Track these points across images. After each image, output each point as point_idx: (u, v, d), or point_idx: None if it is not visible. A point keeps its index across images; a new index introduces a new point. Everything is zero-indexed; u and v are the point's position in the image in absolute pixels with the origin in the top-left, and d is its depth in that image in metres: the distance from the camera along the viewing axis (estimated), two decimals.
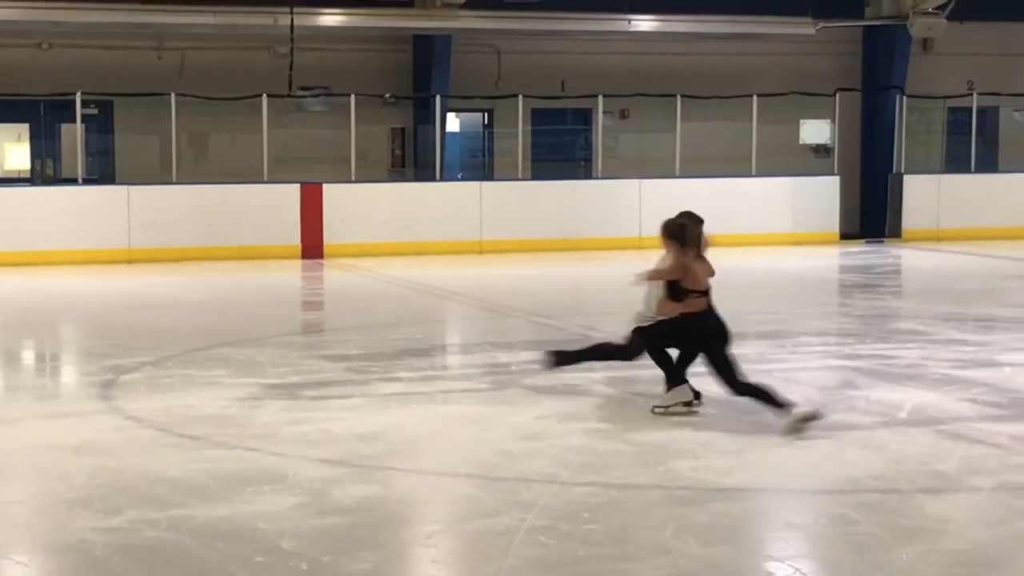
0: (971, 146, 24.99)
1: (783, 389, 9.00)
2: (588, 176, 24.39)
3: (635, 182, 22.68)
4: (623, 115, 25.59)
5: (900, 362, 11.28)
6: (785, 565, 6.11)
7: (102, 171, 23.41)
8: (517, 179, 23.15)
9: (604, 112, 23.86)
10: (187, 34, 23.11)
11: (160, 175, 22.43)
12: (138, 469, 7.77)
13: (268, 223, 21.26)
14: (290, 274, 19.50)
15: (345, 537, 6.45)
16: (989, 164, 26.20)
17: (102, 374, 10.91)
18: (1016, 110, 26.90)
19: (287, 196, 21.41)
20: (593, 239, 22.05)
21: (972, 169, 25.06)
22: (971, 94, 25.32)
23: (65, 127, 22.91)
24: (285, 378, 10.67)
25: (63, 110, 22.06)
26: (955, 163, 25.80)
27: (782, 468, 8.04)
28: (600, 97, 23.56)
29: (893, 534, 6.46)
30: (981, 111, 25.33)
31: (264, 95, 21.80)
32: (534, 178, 23.64)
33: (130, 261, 20.47)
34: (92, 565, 6.08)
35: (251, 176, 21.87)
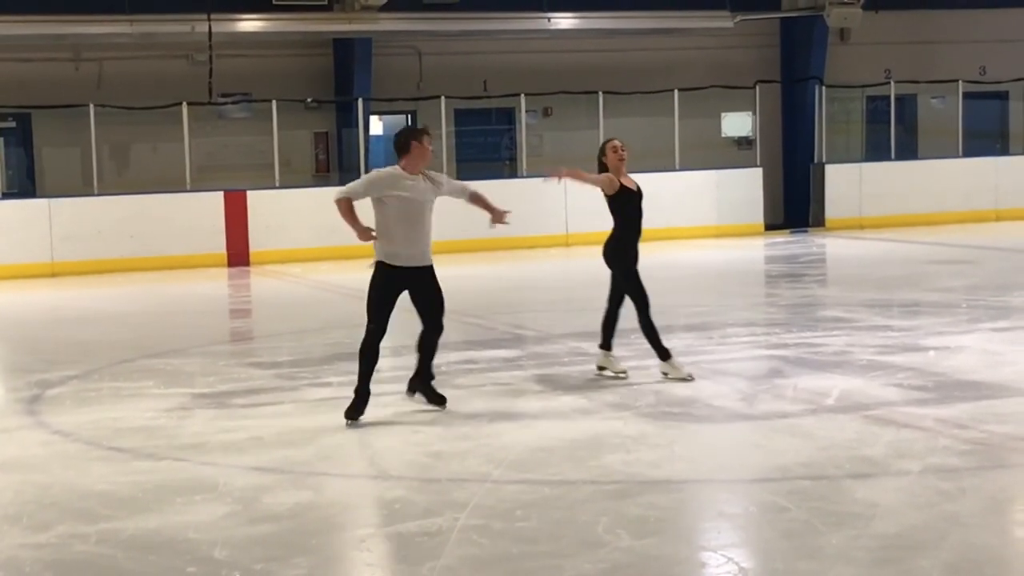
0: (891, 134, 25.27)
1: (712, 380, 9.08)
2: (514, 175, 24.41)
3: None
4: (546, 113, 25.63)
5: (826, 350, 11.39)
6: (717, 555, 6.15)
7: (22, 185, 23.13)
8: None
9: (527, 111, 23.90)
10: (104, 44, 22.87)
11: (81, 187, 22.18)
12: (66, 484, 7.69)
13: (192, 232, 21.09)
14: (216, 283, 19.36)
15: (278, 544, 6.42)
16: (909, 151, 26.51)
17: (28, 389, 10.79)
18: (934, 97, 27.24)
19: (211, 204, 21.25)
20: (520, 238, 22.04)
21: (892, 157, 25.34)
22: (889, 83, 25.61)
23: None
24: (214, 387, 10.60)
25: None
26: (875, 151, 26.07)
27: (712, 459, 8.10)
28: (523, 96, 23.59)
29: (823, 520, 6.52)
30: (899, 99, 25.62)
31: (184, 103, 21.63)
32: (460, 178, 23.57)
33: (53, 275, 20.24)
34: None
35: (174, 185, 21.69)
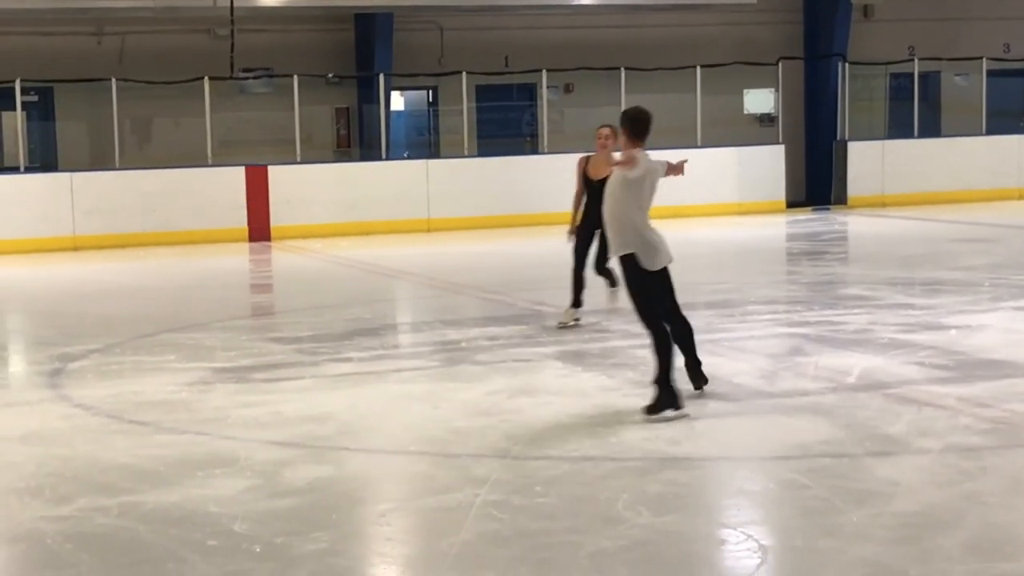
0: (914, 111, 25.15)
1: (732, 358, 9.05)
2: (534, 152, 24.37)
3: (582, 156, 22.63)
4: (568, 89, 25.56)
5: (848, 328, 11.36)
6: (737, 532, 6.15)
7: (44, 158, 23.18)
8: (463, 156, 23.12)
9: (548, 87, 23.83)
10: (126, 18, 22.87)
11: (103, 161, 22.24)
12: (88, 457, 7.73)
13: (214, 207, 21.13)
14: (237, 257, 19.40)
15: (298, 518, 6.43)
16: (932, 129, 26.37)
17: (49, 363, 10.83)
18: (957, 74, 27.08)
19: (232, 179, 21.28)
20: (541, 214, 22.01)
21: (915, 134, 25.22)
22: (912, 60, 25.47)
23: (5, 115, 22.63)
24: (235, 361, 10.62)
25: (3, 98, 21.80)
26: (898, 129, 25.93)
27: (732, 436, 8.09)
28: (544, 72, 23.53)
29: (843, 498, 6.51)
30: (923, 76, 25.47)
31: (206, 78, 21.64)
32: (480, 155, 23.61)
33: (75, 248, 20.30)
34: (43, 554, 6.04)
35: (195, 160, 21.72)
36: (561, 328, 11.60)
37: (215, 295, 15.38)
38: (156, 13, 22.51)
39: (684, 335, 8.70)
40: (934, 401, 8.51)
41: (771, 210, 23.52)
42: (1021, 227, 20.20)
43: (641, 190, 8.41)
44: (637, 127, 8.47)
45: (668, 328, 8.47)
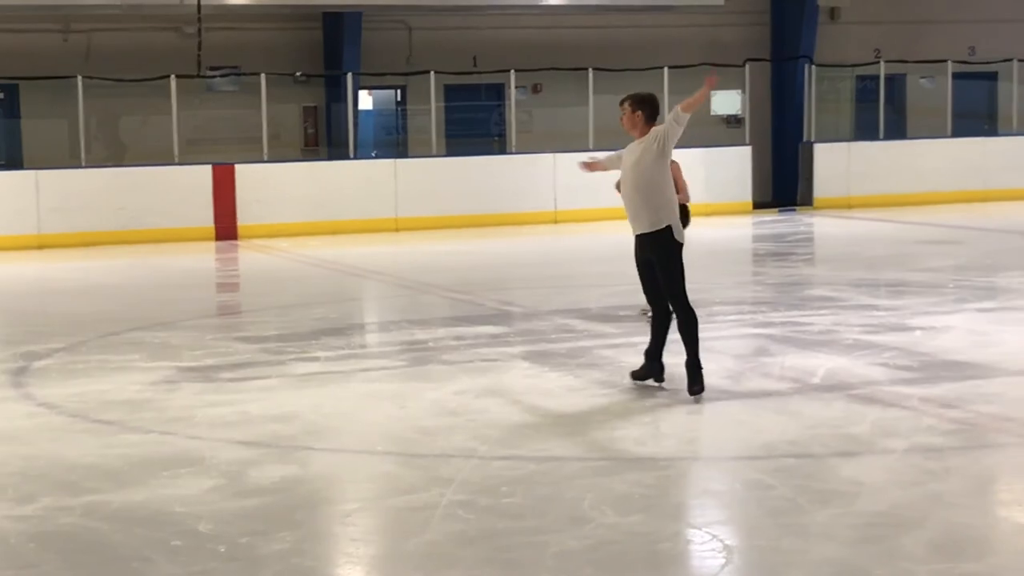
0: (879, 114, 25.27)
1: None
2: (503, 151, 24.37)
3: (550, 156, 22.69)
4: (536, 90, 25.58)
5: (813, 328, 11.41)
6: (702, 532, 6.17)
7: (9, 156, 23.04)
8: (432, 156, 23.11)
9: (517, 87, 23.85)
10: (93, 15, 22.77)
11: (69, 159, 22.12)
12: (52, 456, 7.69)
13: (180, 205, 21.03)
14: (204, 256, 19.32)
15: (263, 518, 6.42)
16: (898, 131, 26.50)
17: (14, 361, 10.77)
18: (922, 77, 27.23)
19: (199, 178, 21.19)
20: (509, 214, 22.04)
21: (881, 136, 25.35)
22: (878, 62, 25.59)
23: None
24: (201, 361, 10.59)
25: None
26: (864, 131, 26.06)
27: (697, 436, 8.13)
28: (512, 72, 23.54)
29: (808, 498, 6.54)
30: (889, 79, 25.58)
31: (173, 76, 21.55)
32: (449, 154, 23.60)
33: (41, 247, 20.17)
34: (6, 553, 6.01)
35: (162, 158, 21.63)
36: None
37: (181, 294, 15.32)
38: (123, 11, 22.42)
39: (667, 325, 8.91)
40: (898, 402, 8.56)
41: (738, 211, 23.57)
42: (985, 229, 20.33)
43: (668, 163, 8.87)
44: (652, 110, 9.06)
45: (658, 312, 8.81)
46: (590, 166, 9.51)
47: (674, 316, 8.84)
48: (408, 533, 6.16)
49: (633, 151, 8.92)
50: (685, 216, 9.61)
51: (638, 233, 8.80)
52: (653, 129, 8.90)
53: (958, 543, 5.91)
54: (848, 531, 6.03)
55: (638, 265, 8.89)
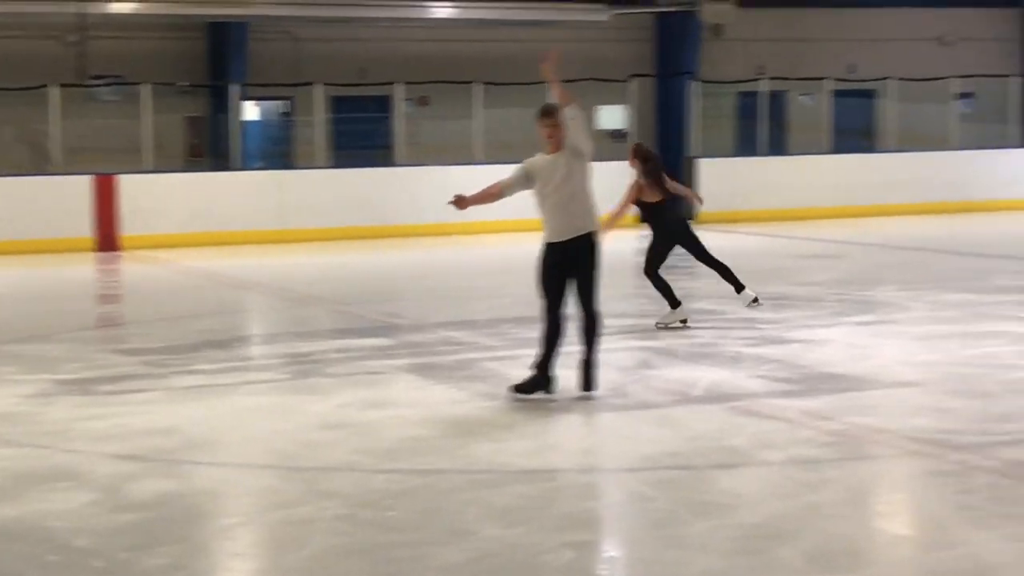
0: (762, 130, 25.63)
1: (578, 372, 9.15)
2: (390, 164, 24.34)
3: (437, 169, 22.70)
4: (423, 102, 25.58)
5: (695, 341, 11.54)
6: (584, 543, 6.20)
7: None
8: (318, 167, 23.00)
9: (404, 99, 23.83)
10: None
11: None
12: None
13: (60, 216, 20.68)
14: (85, 268, 19.03)
15: (142, 533, 6.34)
16: (780, 147, 26.89)
17: None
18: (803, 94, 27.67)
19: (80, 188, 20.86)
20: (396, 226, 22.00)
21: (763, 152, 25.71)
22: (761, 79, 25.96)
23: None
24: (79, 373, 10.42)
25: None
26: (747, 146, 26.42)
27: (580, 449, 8.18)
28: (400, 84, 23.52)
29: (688, 509, 6.61)
30: (771, 95, 25.98)
31: (54, 85, 21.22)
32: (336, 166, 23.50)
33: None
34: None
35: (42, 168, 21.27)
36: (684, 326, 12.23)
37: (61, 306, 15.07)
38: (4, 18, 22.07)
39: (563, 336, 9.13)
40: (777, 414, 8.68)
41: (624, 224, 23.68)
42: (864, 243, 20.68)
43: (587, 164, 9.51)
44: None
45: (553, 321, 9.02)
46: (460, 203, 9.31)
47: (576, 320, 9.10)
48: (289, 547, 6.13)
49: (556, 164, 9.22)
50: None
51: (567, 239, 9.03)
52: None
53: (834, 554, 6.00)
54: (727, 543, 6.10)
55: (552, 274, 8.99)
